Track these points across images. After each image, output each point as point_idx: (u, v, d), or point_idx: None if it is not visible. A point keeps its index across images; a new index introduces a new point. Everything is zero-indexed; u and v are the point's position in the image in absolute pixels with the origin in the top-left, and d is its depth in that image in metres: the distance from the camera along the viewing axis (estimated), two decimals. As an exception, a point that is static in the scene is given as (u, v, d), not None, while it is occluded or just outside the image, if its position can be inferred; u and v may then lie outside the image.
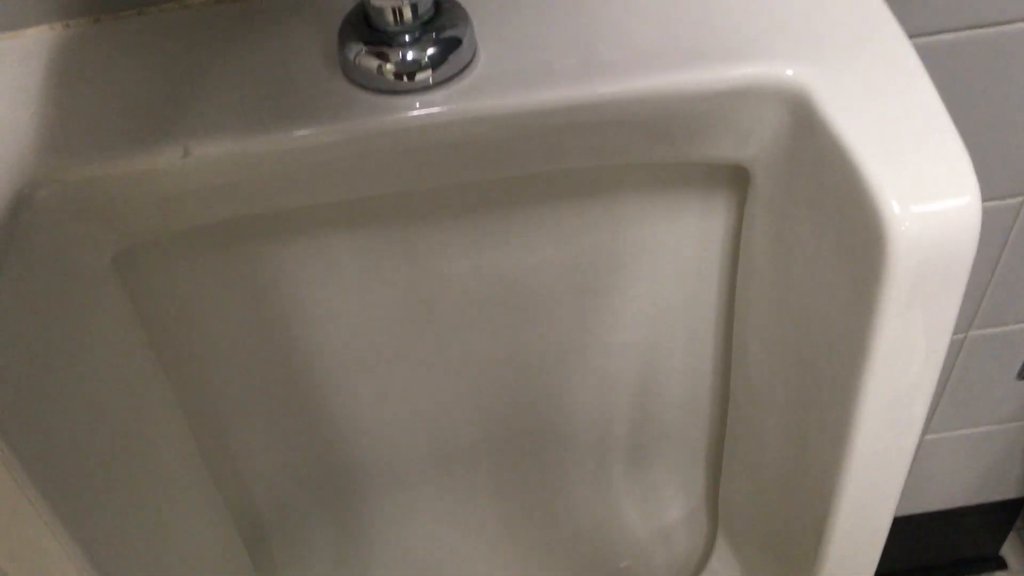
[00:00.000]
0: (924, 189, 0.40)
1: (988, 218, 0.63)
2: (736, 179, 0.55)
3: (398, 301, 0.63)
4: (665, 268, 0.62)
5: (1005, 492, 1.03)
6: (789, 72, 0.44)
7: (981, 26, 0.61)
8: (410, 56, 0.44)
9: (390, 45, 0.44)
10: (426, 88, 0.45)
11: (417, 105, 0.45)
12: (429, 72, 0.45)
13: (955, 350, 0.81)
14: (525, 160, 0.51)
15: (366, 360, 0.66)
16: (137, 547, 0.51)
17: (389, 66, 0.44)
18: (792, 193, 0.48)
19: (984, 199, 0.41)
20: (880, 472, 0.52)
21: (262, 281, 0.59)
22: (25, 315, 0.42)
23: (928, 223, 0.39)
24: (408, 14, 0.44)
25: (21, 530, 0.42)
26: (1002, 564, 1.15)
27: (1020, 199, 0.73)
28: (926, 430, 0.92)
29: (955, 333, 0.80)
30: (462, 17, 0.46)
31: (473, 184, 0.57)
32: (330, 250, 0.59)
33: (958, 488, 1.03)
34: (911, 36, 0.46)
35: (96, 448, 0.47)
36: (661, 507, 0.81)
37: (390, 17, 0.44)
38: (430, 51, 0.45)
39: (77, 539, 0.43)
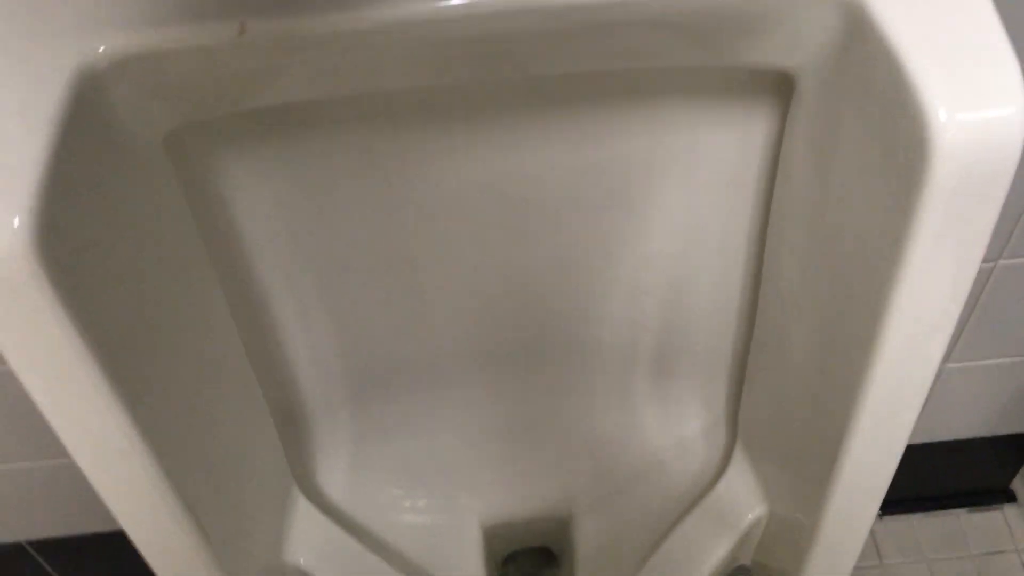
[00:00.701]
0: (972, 98, 0.40)
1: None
2: (780, 87, 0.55)
3: (434, 202, 0.63)
4: (700, 178, 0.62)
5: (1020, 426, 1.04)
6: (843, -26, 0.44)
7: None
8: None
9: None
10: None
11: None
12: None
13: (984, 279, 0.82)
14: (561, 59, 0.50)
15: (401, 257, 0.67)
16: (180, 419, 0.53)
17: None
18: (838, 102, 0.48)
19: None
20: (900, 392, 0.53)
21: (296, 173, 0.59)
22: (80, 185, 0.43)
23: (974, 132, 0.39)
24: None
25: (78, 399, 0.44)
26: (1011, 497, 1.16)
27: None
28: (947, 358, 0.93)
29: (985, 261, 0.80)
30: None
31: (510, 83, 0.57)
32: (370, 146, 0.59)
33: (973, 419, 1.03)
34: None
35: (143, 320, 0.48)
36: (681, 418, 0.82)
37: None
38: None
39: (125, 403, 0.45)
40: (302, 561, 0.71)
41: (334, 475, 0.80)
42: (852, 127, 0.47)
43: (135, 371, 0.46)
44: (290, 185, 0.60)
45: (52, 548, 1.02)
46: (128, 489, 0.50)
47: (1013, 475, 1.16)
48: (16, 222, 0.38)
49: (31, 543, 1.00)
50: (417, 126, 0.58)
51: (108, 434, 0.46)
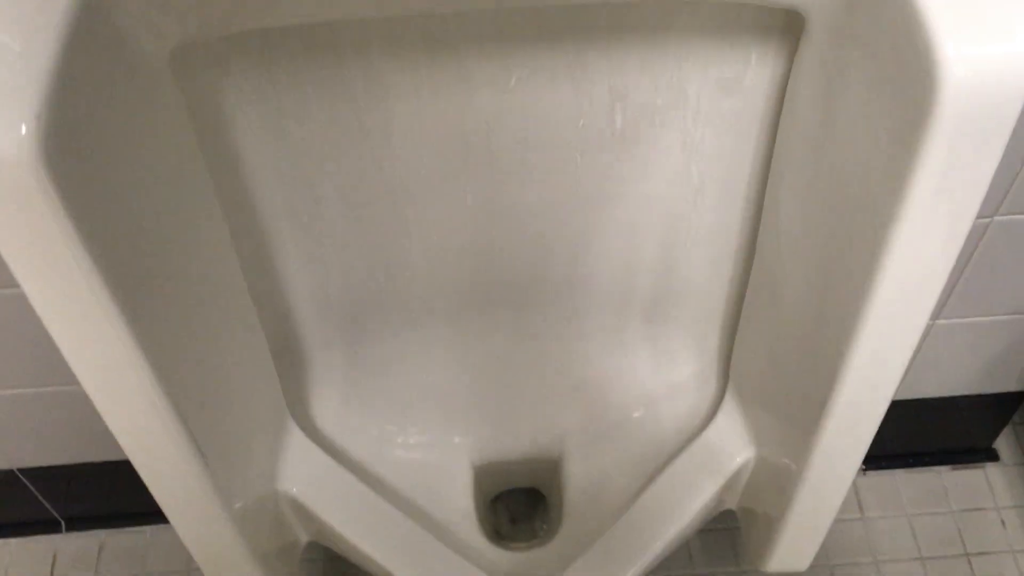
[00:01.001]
0: (981, 34, 0.40)
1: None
2: (787, 25, 0.55)
3: (429, 134, 0.63)
4: (703, 118, 0.62)
5: (1006, 384, 1.05)
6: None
7: None
8: None
9: None
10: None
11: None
12: None
13: (979, 234, 0.82)
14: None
15: (399, 190, 0.67)
16: (179, 337, 0.53)
17: None
18: (847, 40, 0.48)
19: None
20: (890, 341, 0.54)
21: (294, 100, 0.59)
22: (87, 97, 0.43)
23: (981, 67, 0.40)
24: None
25: (80, 310, 0.44)
26: (993, 456, 1.18)
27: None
28: (937, 315, 0.93)
29: (980, 217, 0.81)
30: None
31: (509, 14, 0.56)
32: (368, 75, 0.59)
33: (959, 377, 1.04)
34: None
35: (145, 234, 0.48)
36: (673, 363, 0.83)
37: None
38: None
39: (125, 314, 0.45)
40: (295, 490, 0.72)
41: (328, 408, 0.81)
42: (860, 65, 0.47)
43: (136, 283, 0.47)
44: (288, 113, 0.60)
45: (43, 476, 1.02)
46: (128, 407, 0.50)
47: (996, 434, 1.17)
48: (24, 129, 0.38)
49: (22, 470, 1.01)
50: (415, 56, 0.58)
51: (109, 347, 0.46)
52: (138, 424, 0.52)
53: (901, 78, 0.43)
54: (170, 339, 0.51)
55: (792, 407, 0.66)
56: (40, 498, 1.06)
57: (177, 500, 0.59)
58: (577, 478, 0.83)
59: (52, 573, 1.09)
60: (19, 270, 0.42)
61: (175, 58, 0.51)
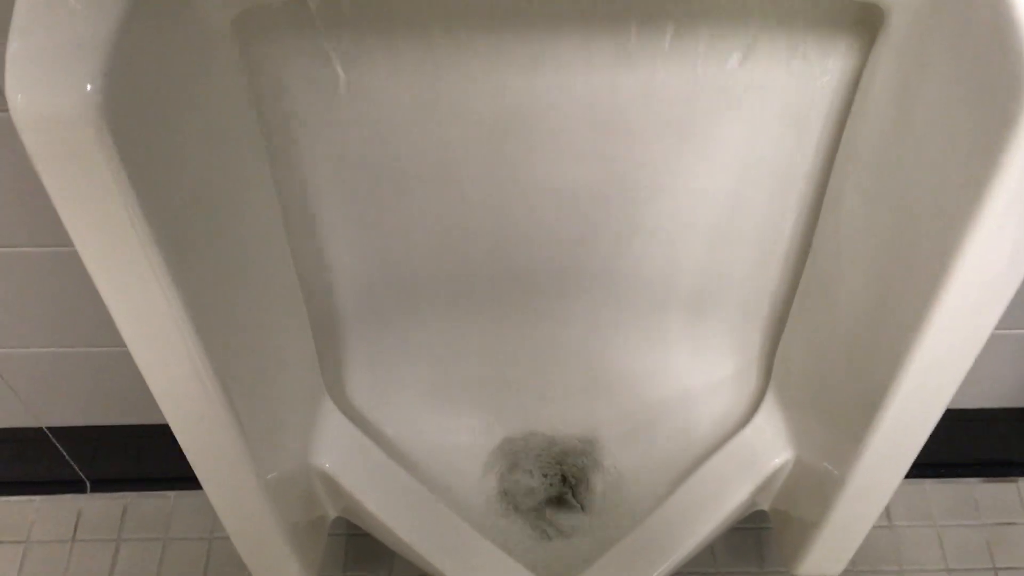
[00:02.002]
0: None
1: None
2: (865, 20, 0.53)
3: (484, 115, 0.62)
4: (767, 112, 0.61)
5: (1048, 399, 1.04)
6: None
7: None
8: None
9: None
10: None
11: None
12: None
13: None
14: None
15: (448, 168, 0.66)
16: (225, 304, 0.52)
17: None
18: (929, 37, 0.46)
19: None
20: (952, 350, 0.52)
21: (353, 73, 0.59)
22: (151, 58, 0.42)
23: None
24: None
25: (131, 270, 0.44)
26: (1027, 470, 1.16)
27: None
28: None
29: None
30: None
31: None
32: (428, 53, 0.58)
33: (997, 389, 1.03)
34: None
35: (197, 198, 0.48)
36: (713, 360, 0.82)
37: None
38: None
39: (175, 276, 0.45)
40: (327, 465, 0.71)
41: (363, 386, 0.80)
42: (942, 65, 0.45)
43: (187, 246, 0.46)
44: (345, 85, 0.59)
45: (71, 436, 1.03)
46: (171, 370, 0.50)
47: (1034, 449, 1.15)
48: (88, 87, 0.38)
49: (51, 429, 1.01)
50: (470, 30, 0.57)
51: (156, 308, 0.46)
52: (180, 388, 0.51)
53: (987, 80, 0.42)
54: (217, 305, 0.51)
55: (838, 410, 0.65)
56: (67, 457, 1.07)
57: (212, 466, 0.58)
58: (609, 471, 0.82)
59: (75, 532, 1.10)
60: (74, 227, 0.42)
61: (236, 24, 0.50)
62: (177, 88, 0.44)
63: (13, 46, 0.38)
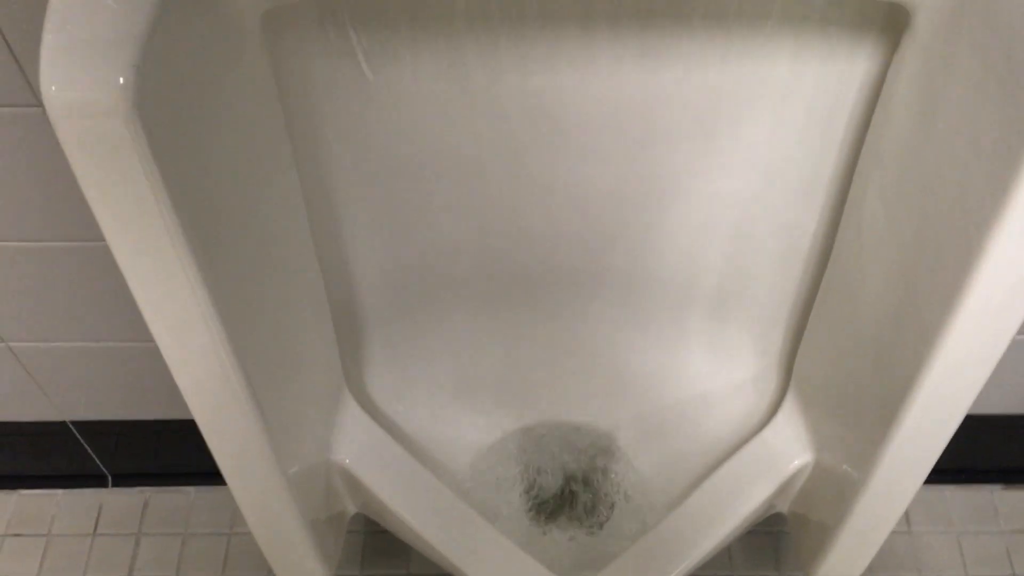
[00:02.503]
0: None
1: None
2: (890, 21, 0.53)
3: (509, 114, 0.63)
4: (790, 114, 0.61)
5: (1070, 407, 1.03)
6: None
7: None
8: None
9: None
10: None
11: None
12: None
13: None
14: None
15: (473, 164, 0.66)
16: (249, 296, 0.53)
17: None
18: (955, 36, 0.46)
19: None
20: (974, 353, 0.52)
21: (381, 70, 0.59)
22: (182, 53, 0.43)
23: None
24: None
25: (160, 262, 0.44)
26: (1049, 479, 1.15)
27: None
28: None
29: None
30: None
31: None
32: (456, 51, 0.58)
33: (1020, 395, 1.02)
34: None
35: (225, 192, 0.48)
36: (733, 362, 0.82)
37: None
38: None
39: (202, 269, 0.45)
40: (347, 461, 0.72)
41: (383, 383, 0.81)
42: (967, 65, 0.45)
43: (214, 239, 0.47)
44: (373, 82, 0.59)
45: (94, 430, 1.04)
46: (197, 364, 0.50)
47: (1053, 456, 1.14)
48: (121, 80, 0.38)
49: (74, 423, 1.02)
50: (498, 28, 0.57)
51: (184, 301, 0.46)
52: (205, 382, 0.52)
53: (1012, 80, 0.42)
54: (242, 299, 0.51)
55: (859, 413, 0.64)
56: (89, 451, 1.08)
57: (235, 459, 0.59)
58: (627, 470, 0.82)
59: (96, 526, 1.11)
60: (104, 219, 0.42)
61: (265, 19, 0.50)
62: (207, 82, 0.45)
63: (47, 39, 0.39)
